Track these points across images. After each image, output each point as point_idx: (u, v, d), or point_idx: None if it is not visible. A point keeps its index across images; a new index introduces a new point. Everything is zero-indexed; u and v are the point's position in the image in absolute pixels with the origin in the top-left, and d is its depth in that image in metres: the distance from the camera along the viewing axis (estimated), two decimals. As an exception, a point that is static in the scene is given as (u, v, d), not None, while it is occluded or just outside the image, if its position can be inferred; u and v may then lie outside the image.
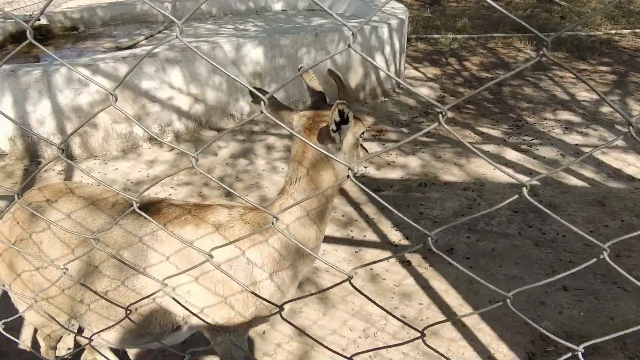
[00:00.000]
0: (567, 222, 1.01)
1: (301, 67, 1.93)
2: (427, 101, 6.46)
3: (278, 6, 8.79)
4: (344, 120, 1.74)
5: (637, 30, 9.63)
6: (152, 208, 1.84)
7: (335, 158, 1.08)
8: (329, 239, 3.72)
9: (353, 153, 1.97)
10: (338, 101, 1.68)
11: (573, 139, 5.35)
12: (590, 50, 8.58)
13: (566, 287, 3.25)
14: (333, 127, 1.73)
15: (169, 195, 4.32)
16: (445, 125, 0.85)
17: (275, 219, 1.12)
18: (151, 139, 5.28)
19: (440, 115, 0.86)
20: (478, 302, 3.13)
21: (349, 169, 1.03)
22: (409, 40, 8.36)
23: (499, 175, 4.64)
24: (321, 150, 1.14)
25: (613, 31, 9.66)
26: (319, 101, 1.95)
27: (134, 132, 5.18)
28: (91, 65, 4.80)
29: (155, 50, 5.20)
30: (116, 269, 1.79)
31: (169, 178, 4.60)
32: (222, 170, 4.76)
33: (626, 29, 9.73)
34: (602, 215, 4.02)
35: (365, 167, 2.17)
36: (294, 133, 1.27)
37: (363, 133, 1.98)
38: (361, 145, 2.04)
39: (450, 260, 1.08)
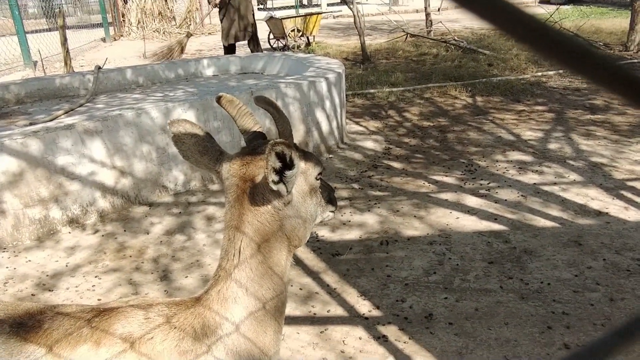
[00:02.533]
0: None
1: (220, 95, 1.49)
2: (374, 154, 6.17)
3: (209, 72, 8.46)
4: (287, 165, 1.28)
5: (560, 71, 9.99)
6: (29, 323, 1.24)
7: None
8: (288, 320, 3.14)
9: (313, 201, 1.50)
10: (272, 141, 1.23)
11: (530, 178, 5.13)
12: (522, 92, 8.72)
13: (567, 344, 2.82)
14: (273, 177, 1.26)
15: (92, 287, 3.63)
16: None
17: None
18: (71, 222, 4.59)
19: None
20: (474, 378, 2.63)
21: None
22: (346, 96, 8.19)
23: (464, 223, 4.28)
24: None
25: (539, 73, 9.98)
26: (256, 139, 1.49)
27: (50, 215, 4.48)
28: (-6, 143, 4.15)
29: (72, 121, 4.62)
30: None
31: (92, 266, 3.91)
32: (156, 250, 4.12)
33: (550, 71, 10.07)
34: (582, 256, 3.69)
35: (333, 212, 1.67)
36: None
37: (320, 174, 1.51)
38: (323, 184, 1.57)
39: None
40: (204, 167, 1.53)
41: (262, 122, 5.51)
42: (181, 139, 1.50)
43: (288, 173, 1.30)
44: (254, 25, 10.23)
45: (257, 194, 1.37)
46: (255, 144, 1.47)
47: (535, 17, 0.27)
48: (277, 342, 1.41)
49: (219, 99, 1.50)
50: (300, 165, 1.34)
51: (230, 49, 10.25)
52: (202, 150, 1.50)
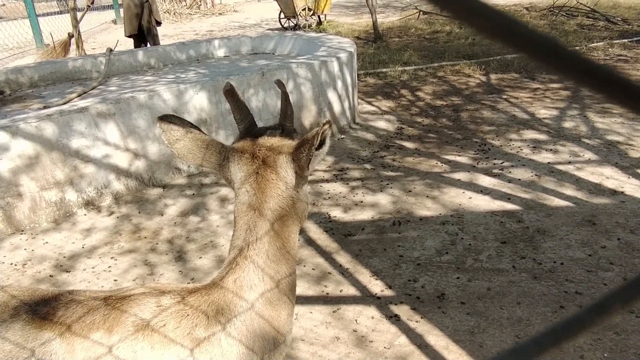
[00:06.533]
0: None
1: (227, 83, 1.47)
2: (386, 134, 6.14)
3: (220, 52, 8.43)
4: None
5: (576, 48, 9.80)
6: (44, 309, 1.27)
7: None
8: (301, 300, 3.18)
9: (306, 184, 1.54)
10: (326, 120, 1.29)
11: (544, 157, 5.08)
12: (537, 69, 8.59)
13: (579, 324, 2.82)
14: (313, 152, 1.33)
15: (108, 268, 3.70)
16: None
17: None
18: (87, 204, 4.65)
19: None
20: (486, 356, 2.65)
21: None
22: (358, 76, 8.12)
23: (477, 203, 4.27)
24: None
25: (555, 50, 9.79)
26: (252, 126, 1.49)
27: (66, 198, 4.54)
28: (9, 127, 4.20)
29: (85, 104, 4.65)
30: None
31: (108, 247, 3.98)
32: (171, 232, 4.17)
33: (567, 48, 9.88)
34: (596, 235, 3.67)
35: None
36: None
37: None
38: None
39: None
40: (204, 164, 1.45)
41: (275, 103, 5.51)
42: (174, 136, 1.42)
43: (318, 152, 1.36)
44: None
45: (278, 179, 1.38)
46: (258, 130, 1.47)
47: (503, 13, 0.27)
48: (290, 321, 1.43)
49: (226, 91, 1.46)
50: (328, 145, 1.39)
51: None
52: (202, 145, 1.44)
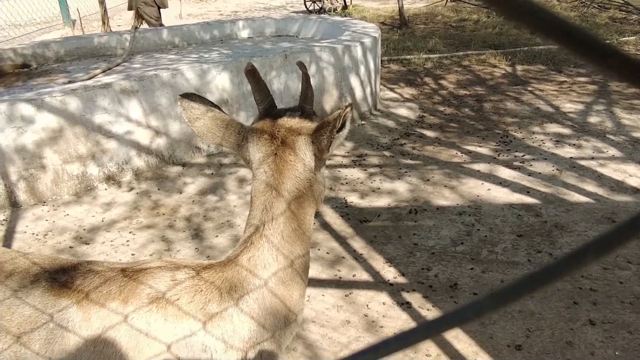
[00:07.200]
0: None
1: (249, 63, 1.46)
2: (407, 122, 6.10)
3: (244, 34, 8.43)
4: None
5: (607, 42, 9.56)
6: (63, 278, 1.30)
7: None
8: (314, 282, 3.21)
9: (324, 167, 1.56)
10: (348, 103, 1.30)
11: (566, 152, 5.00)
12: (565, 62, 8.41)
13: (592, 320, 2.80)
14: (334, 134, 1.34)
15: (127, 242, 3.77)
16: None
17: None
18: (108, 179, 4.73)
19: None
20: (495, 348, 2.65)
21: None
22: (381, 62, 8.06)
23: (495, 195, 4.23)
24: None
25: (585, 43, 9.56)
26: (271, 107, 1.50)
27: (87, 172, 4.62)
28: (35, 100, 4.27)
29: (109, 80, 4.70)
30: None
31: (127, 222, 4.05)
32: (189, 209, 4.23)
33: (597, 41, 9.65)
34: (615, 233, 3.61)
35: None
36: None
37: None
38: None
39: None
40: (223, 143, 1.47)
41: (297, 86, 5.51)
42: (195, 114, 1.44)
43: (338, 135, 1.36)
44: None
45: (297, 160, 1.39)
46: (278, 111, 1.48)
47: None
48: (302, 301, 1.45)
49: (247, 71, 1.46)
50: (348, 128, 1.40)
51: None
52: (222, 124, 1.45)
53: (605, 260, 3.31)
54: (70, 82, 5.84)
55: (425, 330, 0.39)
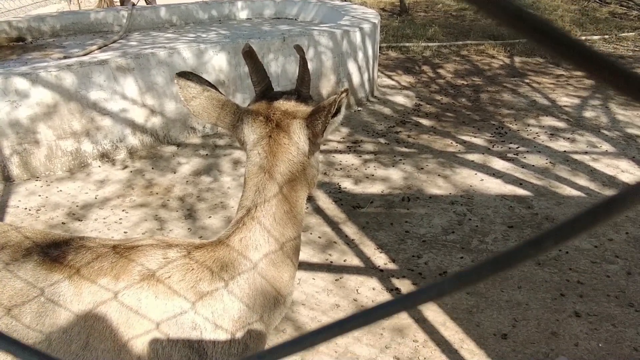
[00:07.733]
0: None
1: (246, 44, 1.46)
2: (404, 110, 6.10)
3: (243, 14, 8.36)
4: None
5: (606, 37, 9.56)
6: (55, 253, 1.31)
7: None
8: (305, 266, 3.24)
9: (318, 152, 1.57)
10: (344, 88, 1.30)
11: (561, 145, 5.03)
12: (564, 56, 8.39)
13: (578, 312, 2.84)
14: (329, 119, 1.35)
15: (119, 220, 3.77)
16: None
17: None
18: (102, 157, 4.71)
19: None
20: (481, 336, 2.69)
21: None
22: (380, 48, 8.02)
23: (488, 186, 4.26)
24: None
25: (583, 37, 9.55)
26: (268, 90, 1.50)
27: (81, 148, 4.60)
28: (29, 74, 4.23)
29: (105, 56, 4.66)
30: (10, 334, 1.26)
31: (120, 200, 4.05)
32: (182, 190, 4.23)
33: (595, 35, 9.64)
34: (604, 227, 3.65)
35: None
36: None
37: None
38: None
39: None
40: (218, 123, 1.46)
41: (294, 70, 5.48)
42: (191, 93, 1.43)
43: (333, 119, 1.37)
44: None
45: (291, 143, 1.39)
46: (274, 94, 1.48)
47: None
48: (292, 283, 1.46)
49: (245, 52, 1.45)
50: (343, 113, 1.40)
51: None
52: (217, 104, 1.45)
53: (594, 253, 3.35)
54: (65, 57, 5.78)
55: (386, 308, 0.41)
